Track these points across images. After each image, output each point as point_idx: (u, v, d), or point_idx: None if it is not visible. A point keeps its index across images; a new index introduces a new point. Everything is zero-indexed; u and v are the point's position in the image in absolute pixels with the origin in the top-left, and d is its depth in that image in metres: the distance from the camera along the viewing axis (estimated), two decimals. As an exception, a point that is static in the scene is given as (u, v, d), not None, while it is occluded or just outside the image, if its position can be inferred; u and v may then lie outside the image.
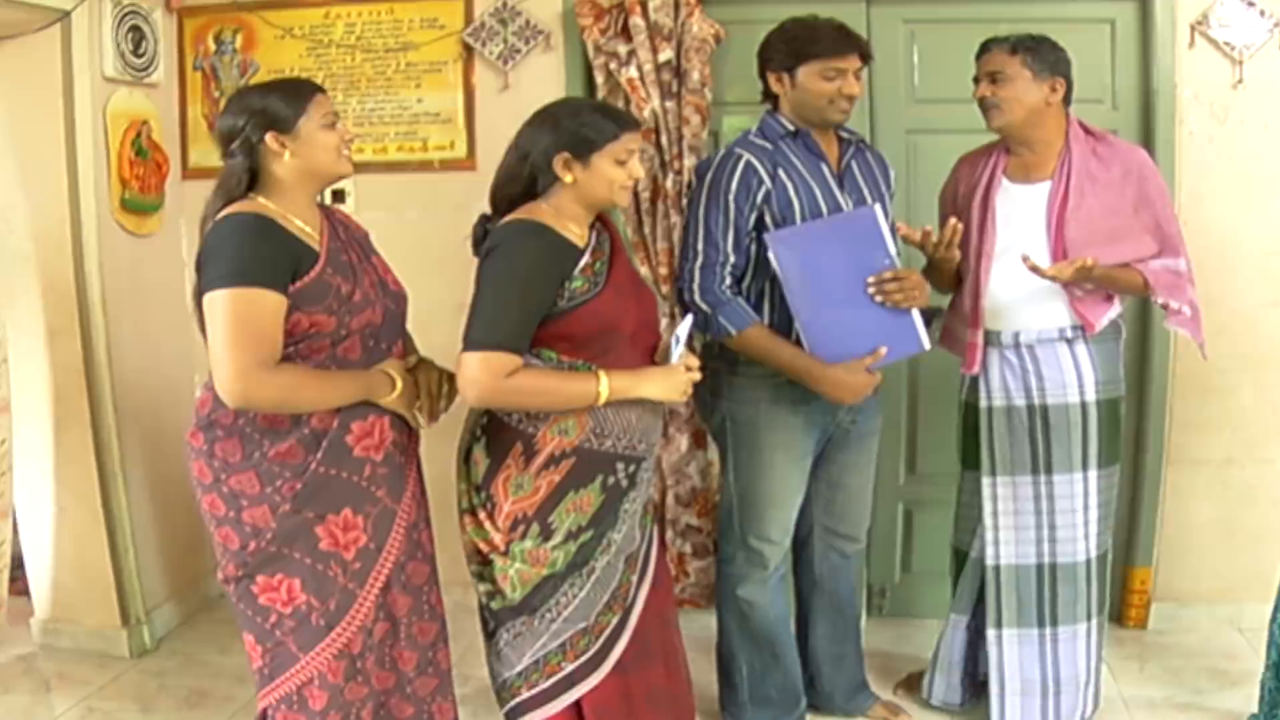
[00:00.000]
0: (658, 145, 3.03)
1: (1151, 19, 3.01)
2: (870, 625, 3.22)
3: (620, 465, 2.13)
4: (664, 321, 2.91)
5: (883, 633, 3.22)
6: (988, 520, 2.58)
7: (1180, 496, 3.17)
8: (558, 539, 2.10)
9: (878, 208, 2.34)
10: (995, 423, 2.56)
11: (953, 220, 2.42)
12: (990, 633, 2.60)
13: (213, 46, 3.32)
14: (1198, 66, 3.01)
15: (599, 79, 3.06)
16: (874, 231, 2.30)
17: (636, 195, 3.04)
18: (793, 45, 2.41)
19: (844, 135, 2.55)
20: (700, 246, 2.42)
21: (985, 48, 2.49)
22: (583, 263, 2.08)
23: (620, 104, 3.05)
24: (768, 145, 2.46)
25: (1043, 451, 2.52)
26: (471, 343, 1.99)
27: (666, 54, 2.99)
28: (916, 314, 2.37)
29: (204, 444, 2.02)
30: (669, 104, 3.01)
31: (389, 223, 3.03)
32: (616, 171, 2.09)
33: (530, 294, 2.02)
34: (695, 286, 2.42)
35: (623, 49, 3.01)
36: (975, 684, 2.79)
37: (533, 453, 2.08)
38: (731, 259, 2.41)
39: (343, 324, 2.00)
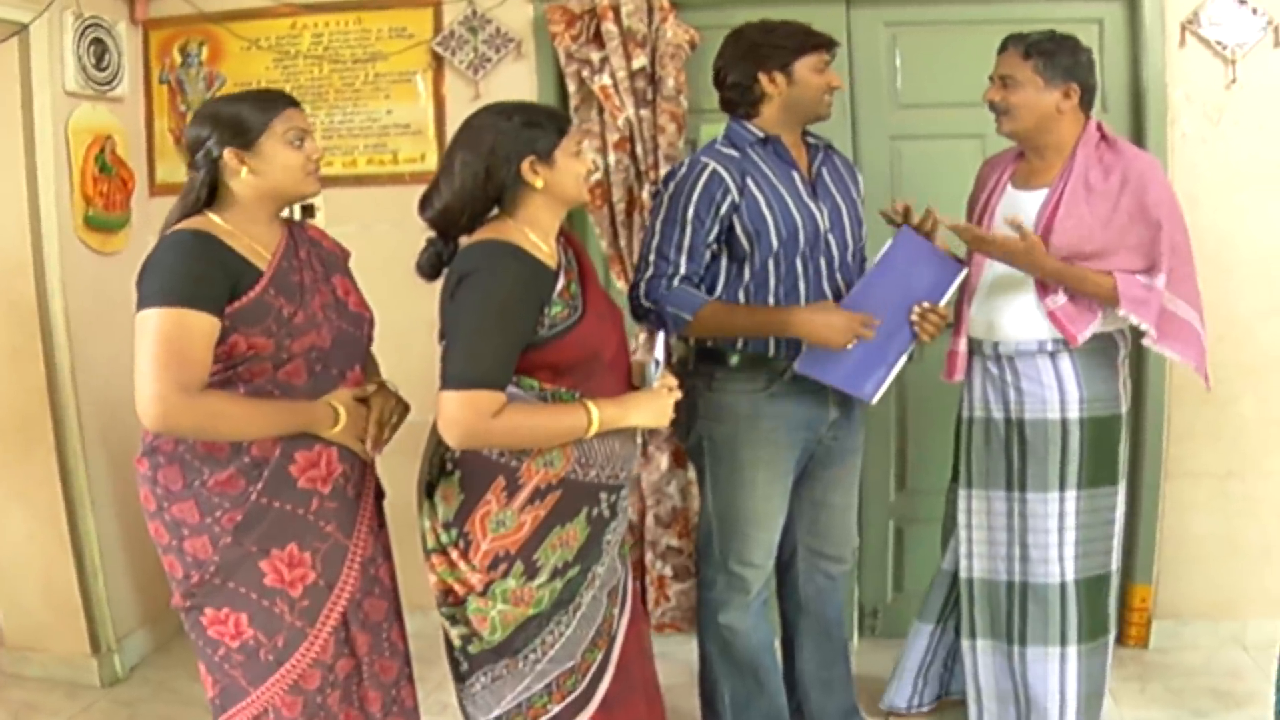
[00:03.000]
0: (632, 155, 2.89)
1: (1140, 18, 2.89)
2: (862, 646, 3.08)
3: (603, 495, 1.99)
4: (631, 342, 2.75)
5: (875, 654, 3.05)
6: (962, 533, 2.48)
7: (1179, 510, 3.03)
8: (543, 577, 1.94)
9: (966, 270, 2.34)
10: (974, 435, 2.45)
11: (901, 203, 2.38)
12: (964, 643, 2.51)
13: (179, 59, 3.19)
14: (1189, 66, 2.89)
15: (571, 87, 2.92)
16: (952, 280, 2.30)
17: (611, 207, 2.90)
18: (791, 41, 2.29)
19: (811, 140, 2.42)
20: (651, 258, 2.30)
21: (1002, 47, 2.35)
22: (559, 286, 1.92)
23: (594, 113, 2.92)
24: (735, 154, 2.31)
25: (1017, 468, 2.40)
26: (451, 380, 1.81)
27: (640, 61, 2.85)
28: (899, 367, 2.29)
29: (148, 470, 1.92)
30: (644, 112, 2.87)
31: (359, 237, 2.82)
32: (578, 164, 1.96)
33: (511, 323, 1.85)
34: (641, 293, 2.30)
35: (595, 56, 2.87)
36: (931, 691, 2.70)
37: (516, 487, 1.91)
38: (682, 270, 2.28)
39: (282, 347, 1.87)
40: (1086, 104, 2.35)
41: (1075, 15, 2.89)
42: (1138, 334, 2.33)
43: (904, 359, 2.30)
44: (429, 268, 1.99)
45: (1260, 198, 2.91)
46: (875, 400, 2.31)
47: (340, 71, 3.11)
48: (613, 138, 2.88)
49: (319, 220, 3.08)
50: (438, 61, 3.07)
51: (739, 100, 2.34)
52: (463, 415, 1.80)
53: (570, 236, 2.09)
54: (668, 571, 2.95)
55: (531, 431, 1.87)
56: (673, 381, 2.03)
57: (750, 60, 2.31)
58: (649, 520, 2.95)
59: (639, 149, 2.88)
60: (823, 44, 2.33)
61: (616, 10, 2.85)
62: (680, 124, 2.87)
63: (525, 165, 1.90)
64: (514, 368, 1.86)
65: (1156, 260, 2.28)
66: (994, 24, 2.65)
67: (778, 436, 2.35)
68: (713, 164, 2.28)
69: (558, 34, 2.90)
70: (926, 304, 2.28)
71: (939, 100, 2.96)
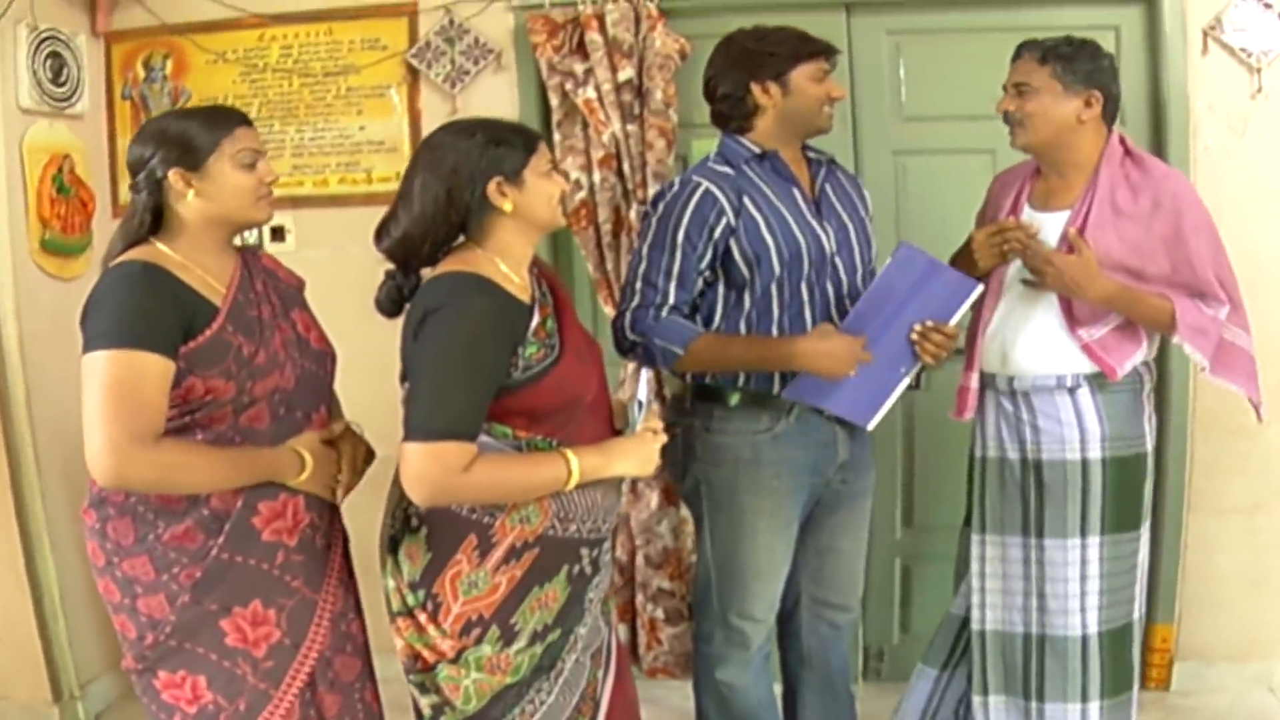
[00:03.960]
0: (619, 173, 2.69)
1: (1160, 24, 2.71)
2: (867, 691, 2.88)
3: (585, 551, 1.81)
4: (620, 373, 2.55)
5: (880, 700, 2.82)
6: (974, 581, 2.28)
7: (1204, 547, 2.84)
8: (522, 642, 1.76)
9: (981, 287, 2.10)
10: (988, 476, 2.26)
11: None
12: (975, 699, 2.30)
13: (142, 73, 3.00)
14: (1212, 75, 2.71)
15: (554, 101, 2.72)
16: (964, 298, 2.07)
17: (597, 228, 2.70)
18: (785, 48, 2.10)
19: (812, 155, 2.22)
20: (638, 286, 2.10)
21: (1016, 54, 2.15)
22: (534, 322, 1.73)
23: (578, 129, 2.72)
24: (730, 171, 2.11)
25: (1035, 512, 2.20)
26: (415, 431, 1.62)
27: (627, 72, 2.65)
28: (899, 392, 2.09)
29: (96, 522, 1.77)
30: (630, 127, 2.67)
31: (332, 261, 2.74)
32: (550, 185, 1.78)
33: (481, 366, 1.66)
34: (626, 325, 2.10)
35: (579, 68, 2.68)
36: None
37: (489, 546, 1.73)
38: (671, 300, 2.09)
39: (244, 390, 1.73)
40: (1110, 114, 2.15)
41: (1091, 21, 2.70)
42: (1162, 364, 2.15)
43: (905, 383, 2.10)
44: (388, 304, 1.82)
45: None
46: (872, 427, 2.11)
47: (310, 85, 2.92)
48: (598, 154, 2.69)
49: (289, 244, 2.91)
50: (413, 74, 2.88)
51: (731, 113, 2.14)
52: (429, 470, 1.62)
53: (544, 267, 1.90)
54: (659, 615, 2.75)
55: (506, 486, 1.70)
56: (658, 424, 1.84)
57: (742, 69, 2.11)
58: (639, 561, 2.74)
59: (626, 166, 2.68)
60: (820, 51, 2.13)
61: (601, 19, 2.66)
62: (669, 139, 2.67)
63: (491, 187, 1.72)
64: (484, 415, 1.68)
65: (1206, 291, 2.09)
66: (1004, 31, 2.50)
67: (781, 483, 2.15)
68: (705, 183, 2.08)
69: (539, 44, 2.70)
70: (929, 323, 2.05)
71: (946, 113, 2.78)
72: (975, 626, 2.29)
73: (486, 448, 1.70)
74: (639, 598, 2.75)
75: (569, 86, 2.69)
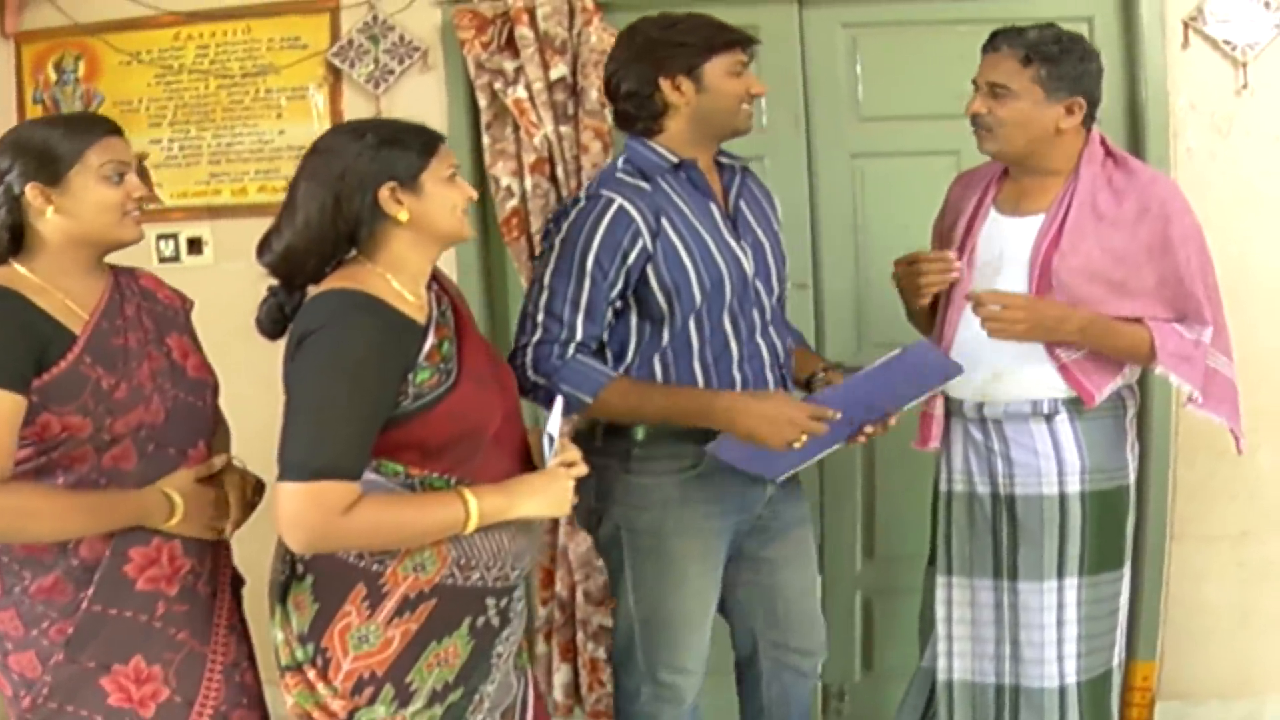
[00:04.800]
0: (552, 178, 2.47)
1: (1136, 15, 2.52)
2: (827, 734, 2.68)
3: (491, 601, 1.63)
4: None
5: (842, 743, 2.66)
6: (941, 628, 2.07)
7: (1188, 577, 2.65)
8: (419, 703, 1.59)
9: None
10: (955, 512, 2.05)
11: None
12: None
13: (53, 76, 2.78)
14: (1194, 70, 2.53)
15: (482, 101, 2.49)
16: (938, 382, 1.93)
17: (529, 238, 2.48)
18: (697, 37, 1.86)
19: (724, 161, 1.99)
20: (540, 319, 1.86)
21: (992, 45, 1.91)
22: (428, 345, 1.55)
23: (508, 131, 2.50)
24: (645, 186, 1.87)
25: (1007, 552, 2.01)
26: (290, 469, 1.46)
27: (560, 70, 2.43)
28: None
29: None
30: (564, 129, 2.45)
31: (252, 274, 2.51)
32: (453, 191, 1.61)
33: (366, 395, 1.49)
34: (528, 363, 1.86)
35: (509, 66, 2.45)
36: None
37: (380, 596, 1.56)
38: (579, 335, 1.85)
39: (102, 427, 1.57)
40: (1090, 118, 1.95)
41: (1062, 12, 2.43)
42: (1144, 387, 1.95)
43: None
44: (270, 324, 1.64)
45: (1276, 219, 2.55)
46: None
47: (228, 87, 2.70)
48: (529, 158, 2.46)
49: (207, 257, 2.71)
50: (335, 75, 2.66)
51: (638, 113, 1.90)
52: (306, 513, 1.45)
53: (446, 283, 1.70)
54: (600, 654, 2.53)
55: (395, 530, 1.52)
56: (573, 456, 1.66)
57: (648, 62, 1.87)
58: (579, 597, 2.52)
59: (559, 171, 2.46)
60: (737, 41, 1.90)
61: (532, 13, 2.44)
62: (606, 141, 2.45)
63: (384, 193, 1.54)
64: (370, 450, 1.50)
65: (1191, 308, 1.89)
66: (970, 24, 2.33)
67: (711, 525, 1.95)
68: (619, 200, 1.84)
69: (467, 41, 2.48)
70: (892, 422, 1.92)
71: (907, 112, 2.58)
72: (942, 676, 2.08)
73: (373, 487, 1.53)
74: (580, 636, 2.54)
75: (498, 86, 2.47)
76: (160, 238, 2.71)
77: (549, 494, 1.62)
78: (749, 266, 1.93)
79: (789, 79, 2.54)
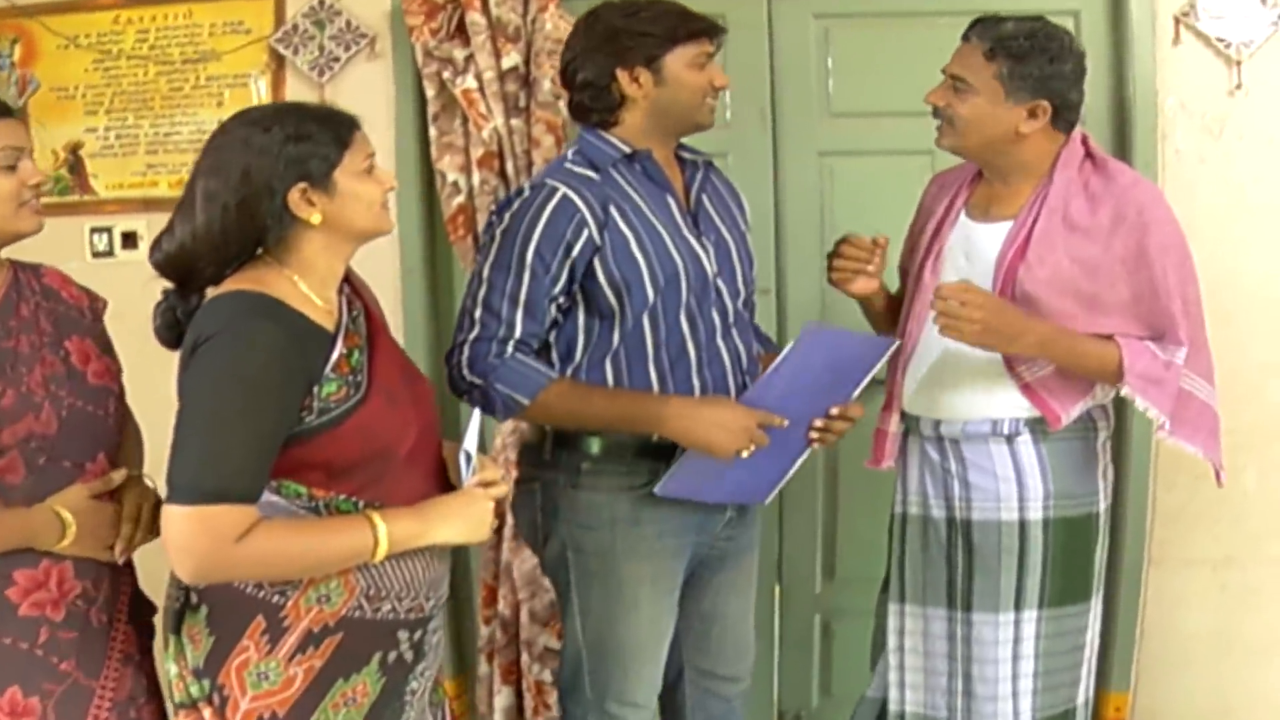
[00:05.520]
0: (501, 174, 2.32)
1: (1125, 10, 2.40)
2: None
3: (403, 634, 1.50)
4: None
5: (799, 770, 2.53)
6: (892, 657, 1.95)
7: (1166, 604, 2.51)
8: None
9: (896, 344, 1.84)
10: (908, 536, 1.93)
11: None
12: None
13: (-12, 59, 2.66)
14: (1185, 68, 2.40)
15: (430, 91, 2.34)
16: (876, 360, 1.82)
17: (476, 238, 2.34)
18: (659, 26, 1.74)
19: (686, 156, 1.86)
20: (478, 315, 1.74)
21: (967, 33, 1.79)
22: (335, 354, 1.42)
23: (456, 123, 2.35)
24: (593, 175, 1.75)
25: (962, 581, 1.88)
26: (179, 491, 1.32)
27: (512, 59, 2.28)
28: (798, 464, 1.84)
29: None
30: (515, 121, 2.30)
31: None
32: (370, 186, 1.46)
33: (264, 409, 1.35)
34: (463, 361, 1.74)
35: (459, 54, 2.30)
36: None
37: (280, 630, 1.43)
38: (518, 332, 1.73)
39: None
40: (1068, 122, 1.80)
41: (1046, 6, 2.29)
42: (1121, 406, 1.82)
43: (799, 464, 1.81)
44: (166, 331, 1.49)
45: (1269, 228, 2.43)
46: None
47: (168, 74, 2.56)
48: (477, 152, 2.31)
49: (142, 251, 2.55)
50: (278, 61, 2.52)
51: (593, 105, 1.78)
52: (195, 539, 1.31)
53: (359, 285, 1.56)
54: (546, 676, 2.39)
55: (296, 558, 1.40)
56: (492, 475, 1.53)
57: (607, 52, 1.74)
58: (524, 617, 2.38)
59: (509, 166, 2.31)
60: (702, 30, 1.77)
61: (484, -3, 2.30)
62: (559, 136, 2.31)
63: (294, 196, 1.39)
64: (269, 470, 1.36)
65: (1167, 326, 1.75)
66: (949, 15, 2.18)
67: (665, 544, 1.81)
68: (563, 188, 1.72)
69: (416, 27, 2.33)
70: (834, 410, 1.78)
71: (880, 109, 2.44)
72: (894, 708, 1.96)
73: (273, 510, 1.39)
74: (524, 658, 2.40)
75: (447, 75, 2.32)
76: (94, 231, 2.58)
77: (466, 518, 1.48)
78: (709, 265, 1.80)
79: (756, 72, 2.41)
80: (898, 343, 1.83)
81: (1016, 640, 1.84)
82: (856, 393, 1.81)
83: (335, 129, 1.44)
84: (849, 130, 2.49)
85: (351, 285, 1.54)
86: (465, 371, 1.73)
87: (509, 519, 2.26)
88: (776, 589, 2.57)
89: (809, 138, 2.50)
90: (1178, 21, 2.38)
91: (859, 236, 1.88)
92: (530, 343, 1.74)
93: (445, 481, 1.56)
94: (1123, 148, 2.42)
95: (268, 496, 1.38)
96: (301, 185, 1.39)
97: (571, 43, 1.79)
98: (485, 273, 1.74)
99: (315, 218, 1.41)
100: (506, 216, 1.73)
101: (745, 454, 1.69)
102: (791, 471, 1.83)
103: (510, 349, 1.72)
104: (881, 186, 2.41)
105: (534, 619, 2.37)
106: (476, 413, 1.57)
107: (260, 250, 1.44)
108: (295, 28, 2.48)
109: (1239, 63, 2.38)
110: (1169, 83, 2.41)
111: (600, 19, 1.76)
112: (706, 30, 1.76)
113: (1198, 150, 2.42)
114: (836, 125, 2.50)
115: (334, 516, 1.43)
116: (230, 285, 1.42)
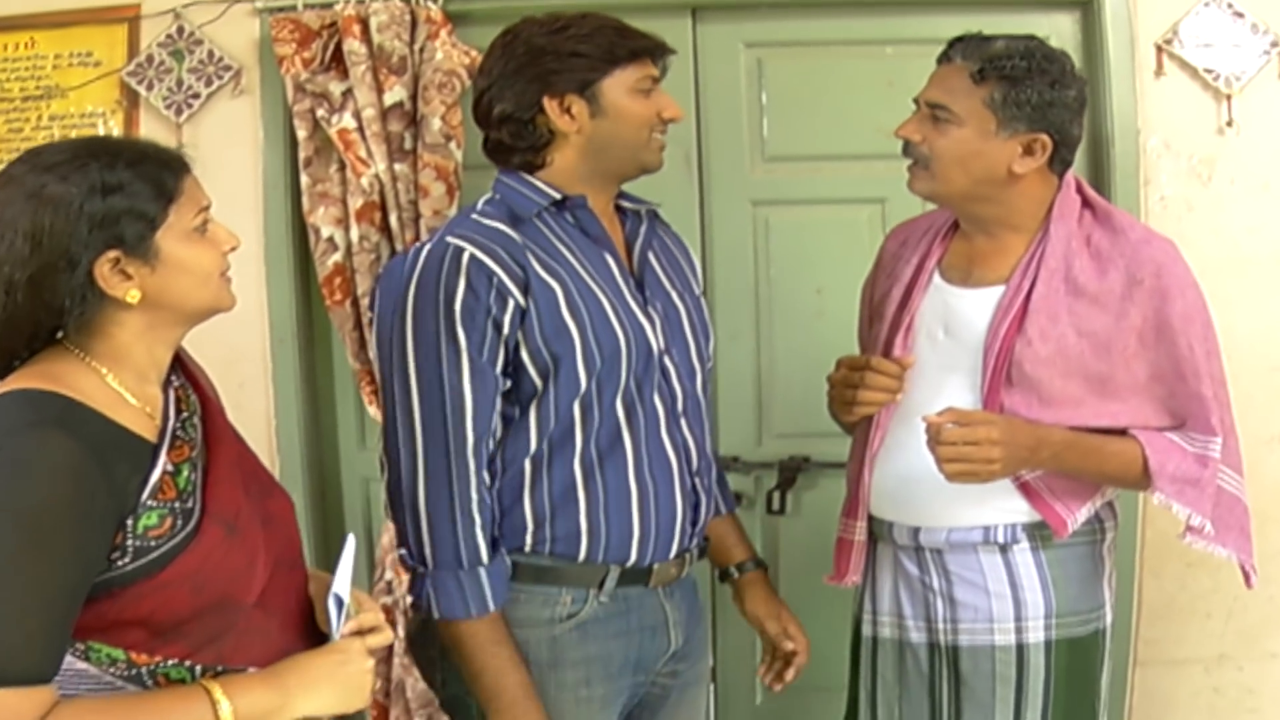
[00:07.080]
0: (384, 228, 2.00)
1: (1100, 37, 2.14)
2: None
3: None
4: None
5: None
6: None
7: (1153, 707, 2.25)
8: None
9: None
10: (880, 664, 1.66)
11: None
12: None
13: None
14: (1169, 104, 2.16)
15: (301, 132, 2.01)
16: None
17: (356, 303, 2.00)
18: (593, 45, 1.42)
19: (627, 205, 1.54)
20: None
21: (946, 54, 1.50)
22: (156, 473, 1.10)
23: (332, 169, 2.02)
24: (508, 232, 1.40)
25: (949, 715, 1.60)
26: None
27: (397, 93, 1.96)
28: None
29: None
30: (399, 166, 1.98)
31: None
32: (204, 252, 1.14)
33: (53, 555, 1.03)
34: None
35: (336, 88, 1.98)
36: None
37: None
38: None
39: None
40: (1064, 164, 1.52)
41: (1013, 32, 2.03)
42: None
43: None
44: None
45: (1266, 284, 2.18)
46: None
47: (5, 112, 2.23)
48: (356, 203, 1.99)
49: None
50: (132, 98, 2.19)
51: (515, 142, 1.45)
52: None
53: (189, 366, 1.23)
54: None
55: None
56: (371, 620, 1.23)
57: (530, 77, 1.42)
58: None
59: (393, 219, 1.99)
60: (644, 49, 1.45)
61: (365, 23, 1.96)
62: (450, 183, 1.98)
63: (103, 268, 1.08)
64: (68, 634, 1.05)
65: (1193, 412, 1.50)
66: (901, 44, 2.04)
67: (593, 689, 1.48)
68: (469, 250, 1.36)
69: (286, 58, 1.99)
70: None
71: (821, 151, 2.19)
72: None
73: (80, 683, 1.07)
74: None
75: (321, 113, 1.99)
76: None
77: (337, 681, 1.16)
78: (656, 339, 1.46)
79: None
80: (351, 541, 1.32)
81: None
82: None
83: (156, 175, 1.11)
84: (787, 176, 2.23)
85: (184, 371, 1.20)
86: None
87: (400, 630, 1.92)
88: (711, 691, 2.24)
89: (740, 184, 2.23)
90: (1160, 50, 2.13)
91: (881, 360, 1.55)
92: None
93: (314, 630, 1.24)
94: (1101, 194, 2.08)
95: (73, 663, 1.06)
96: (112, 254, 1.07)
97: (487, 68, 1.45)
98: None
99: (132, 295, 1.09)
100: (407, 292, 1.37)
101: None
102: None
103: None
104: (824, 241, 2.17)
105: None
106: (350, 541, 1.23)
107: (59, 334, 1.11)
108: (150, 59, 2.14)
109: (1229, 96, 2.14)
110: (1151, 120, 2.18)
111: (521, 38, 1.42)
112: (651, 50, 1.44)
113: (1185, 196, 2.19)
114: (772, 170, 2.24)
115: (162, 689, 1.10)
116: (11, 383, 1.08)
